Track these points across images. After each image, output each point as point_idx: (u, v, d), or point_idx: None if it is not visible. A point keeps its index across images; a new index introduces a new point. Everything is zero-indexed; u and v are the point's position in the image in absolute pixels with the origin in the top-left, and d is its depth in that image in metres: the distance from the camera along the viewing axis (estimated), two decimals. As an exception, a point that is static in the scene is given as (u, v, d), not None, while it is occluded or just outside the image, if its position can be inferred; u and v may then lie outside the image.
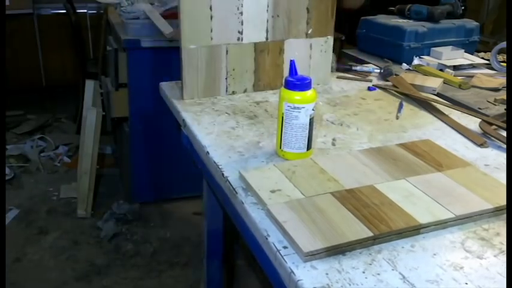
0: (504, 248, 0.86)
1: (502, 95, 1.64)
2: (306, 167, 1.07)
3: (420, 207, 0.93)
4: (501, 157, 1.20)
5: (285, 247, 0.83)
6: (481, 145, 1.25)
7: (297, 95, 1.07)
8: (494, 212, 0.94)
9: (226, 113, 1.40)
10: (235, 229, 1.12)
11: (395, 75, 1.80)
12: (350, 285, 0.76)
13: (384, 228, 0.86)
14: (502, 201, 0.95)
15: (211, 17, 1.42)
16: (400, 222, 0.88)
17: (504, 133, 1.31)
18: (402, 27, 2.02)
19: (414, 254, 0.84)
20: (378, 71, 1.80)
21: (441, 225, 0.90)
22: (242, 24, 1.47)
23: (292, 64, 1.10)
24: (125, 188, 2.89)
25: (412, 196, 0.97)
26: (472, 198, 0.97)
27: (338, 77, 1.76)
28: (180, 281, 2.23)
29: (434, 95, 1.64)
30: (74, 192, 2.80)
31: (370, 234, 0.84)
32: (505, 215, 0.94)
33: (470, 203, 0.95)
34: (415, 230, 0.88)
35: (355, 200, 0.94)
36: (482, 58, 2.09)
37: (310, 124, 1.10)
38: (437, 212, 0.92)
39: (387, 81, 1.73)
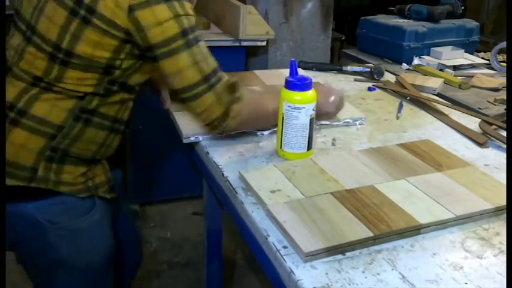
0: (504, 247, 0.86)
1: (502, 95, 1.64)
2: (306, 167, 1.07)
3: (420, 207, 0.93)
4: (501, 157, 1.20)
5: (284, 247, 0.83)
6: (483, 144, 1.25)
7: (297, 95, 1.07)
8: (495, 212, 0.94)
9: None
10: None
11: (396, 75, 1.80)
12: (350, 285, 0.76)
13: (384, 228, 0.86)
14: (502, 201, 0.95)
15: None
16: (400, 222, 0.88)
17: (504, 133, 1.31)
18: (402, 27, 2.02)
19: (414, 253, 0.84)
20: (368, 70, 1.78)
21: (441, 225, 0.90)
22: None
23: (292, 64, 1.10)
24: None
25: (412, 196, 0.97)
26: (472, 198, 0.97)
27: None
28: (180, 281, 2.23)
29: (435, 95, 1.64)
30: (74, 192, 2.80)
31: (371, 234, 0.84)
32: (505, 215, 0.94)
33: (471, 203, 0.95)
34: (415, 230, 0.88)
35: (355, 200, 0.94)
36: (482, 58, 2.09)
37: (310, 124, 1.10)
38: (437, 212, 0.92)
39: (378, 81, 1.73)
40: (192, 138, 1.23)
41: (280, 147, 1.13)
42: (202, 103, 1.07)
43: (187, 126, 1.25)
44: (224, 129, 1.14)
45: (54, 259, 1.14)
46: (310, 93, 1.08)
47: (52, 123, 1.04)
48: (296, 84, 1.07)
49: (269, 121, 1.21)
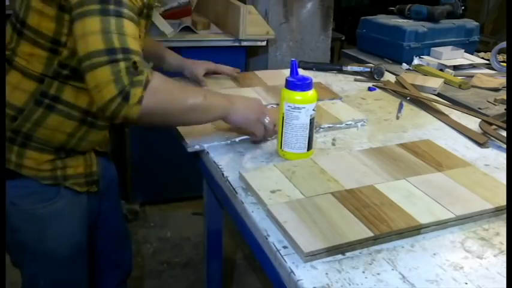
0: (504, 247, 0.85)
1: (502, 95, 1.64)
2: (306, 167, 1.07)
3: (420, 207, 0.92)
4: (501, 157, 1.20)
5: (284, 247, 0.83)
6: (483, 144, 1.25)
7: (297, 95, 1.07)
8: (495, 212, 0.94)
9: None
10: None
11: (396, 75, 1.80)
12: (350, 285, 0.76)
13: (385, 228, 0.86)
14: (502, 201, 0.95)
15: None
16: (401, 222, 0.88)
17: (504, 133, 1.31)
18: (402, 27, 2.02)
19: (414, 253, 0.84)
20: (368, 70, 1.78)
21: (441, 225, 0.90)
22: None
23: (293, 64, 1.10)
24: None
25: (412, 196, 0.97)
26: (472, 198, 0.97)
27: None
28: (180, 281, 2.23)
29: (435, 95, 1.64)
30: (74, 192, 2.79)
31: (371, 234, 0.84)
32: (505, 215, 0.94)
33: (471, 203, 0.95)
34: (415, 230, 0.88)
35: (356, 200, 0.94)
36: (482, 58, 2.09)
37: (310, 124, 1.10)
38: (437, 212, 0.92)
39: (378, 81, 1.72)
40: (197, 147, 1.19)
41: (281, 147, 1.13)
42: (96, 76, 0.92)
43: (191, 134, 1.21)
44: (125, 118, 0.95)
45: (19, 242, 1.17)
46: (311, 93, 1.08)
47: (13, 104, 1.06)
48: (296, 84, 1.07)
49: (183, 118, 1.08)
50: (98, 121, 1.13)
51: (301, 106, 1.07)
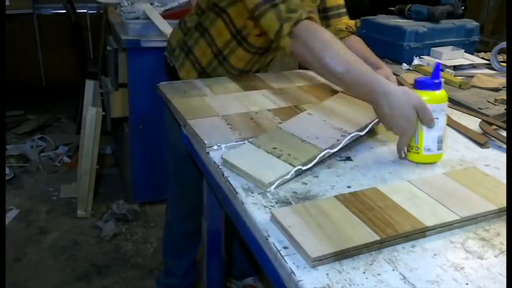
0: (505, 248, 0.85)
1: (502, 95, 1.64)
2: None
3: (425, 210, 0.91)
4: (501, 157, 1.20)
5: (285, 247, 0.83)
6: (483, 145, 1.25)
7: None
8: (498, 213, 0.94)
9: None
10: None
11: (396, 75, 1.80)
12: (350, 285, 0.75)
13: (391, 231, 0.85)
14: (505, 201, 0.95)
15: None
16: (406, 225, 0.87)
17: (504, 133, 1.31)
18: (402, 27, 2.02)
19: (415, 254, 0.83)
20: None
21: (446, 227, 0.89)
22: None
23: (437, 67, 1.10)
24: (125, 188, 2.89)
25: (415, 198, 0.96)
26: (475, 199, 0.96)
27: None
28: (180, 281, 2.22)
29: (435, 95, 1.63)
30: (74, 192, 2.79)
31: (377, 238, 0.83)
32: (505, 215, 0.94)
33: (474, 204, 0.94)
34: (421, 232, 0.87)
35: (360, 203, 0.93)
36: (482, 58, 2.09)
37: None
38: (442, 214, 0.91)
39: None
40: (215, 147, 1.17)
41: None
42: (266, 21, 1.20)
43: (208, 134, 1.19)
44: (283, 49, 1.19)
45: (168, 143, 1.73)
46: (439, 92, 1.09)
47: (187, 25, 1.57)
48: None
49: (324, 72, 1.12)
50: (225, 62, 1.52)
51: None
